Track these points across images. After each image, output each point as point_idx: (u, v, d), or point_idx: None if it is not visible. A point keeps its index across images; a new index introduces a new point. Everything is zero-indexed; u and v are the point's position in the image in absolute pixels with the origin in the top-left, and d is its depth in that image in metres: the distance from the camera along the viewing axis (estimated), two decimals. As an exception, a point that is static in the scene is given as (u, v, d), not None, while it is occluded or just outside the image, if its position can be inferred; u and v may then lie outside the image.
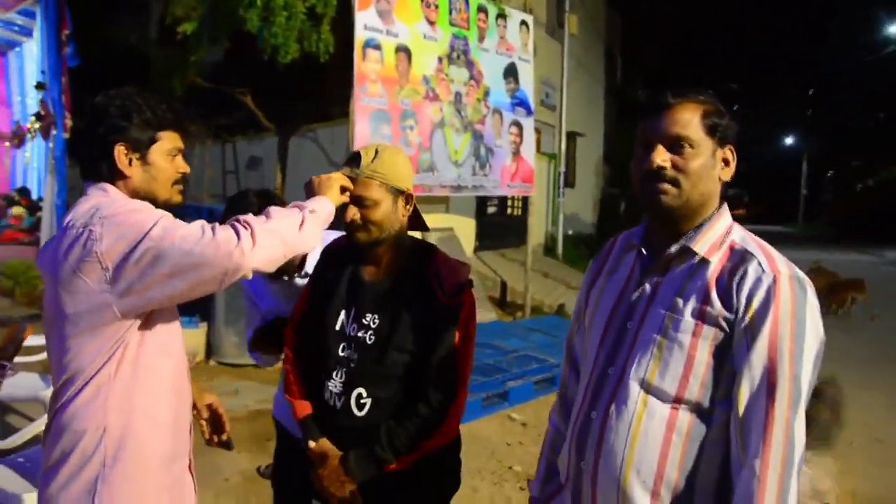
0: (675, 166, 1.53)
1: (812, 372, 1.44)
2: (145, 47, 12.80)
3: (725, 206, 1.62)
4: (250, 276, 1.72)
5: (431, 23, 7.98)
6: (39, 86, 10.10)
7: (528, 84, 9.27)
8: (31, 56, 10.92)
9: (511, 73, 9.04)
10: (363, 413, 1.98)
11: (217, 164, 12.38)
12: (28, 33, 10.78)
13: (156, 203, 1.83)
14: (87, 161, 1.82)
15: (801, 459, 1.42)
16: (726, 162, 1.59)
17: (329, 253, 2.26)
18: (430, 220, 8.35)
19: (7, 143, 11.81)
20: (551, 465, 1.86)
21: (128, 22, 14.17)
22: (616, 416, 1.55)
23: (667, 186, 1.53)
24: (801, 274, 1.49)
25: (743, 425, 1.43)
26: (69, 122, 9.71)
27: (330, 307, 2.09)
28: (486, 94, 8.74)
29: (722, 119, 1.56)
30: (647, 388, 1.53)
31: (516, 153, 9.19)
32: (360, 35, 7.22)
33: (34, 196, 10.70)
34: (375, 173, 1.98)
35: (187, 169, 1.93)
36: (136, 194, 1.82)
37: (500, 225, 12.43)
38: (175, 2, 8.13)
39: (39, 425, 3.03)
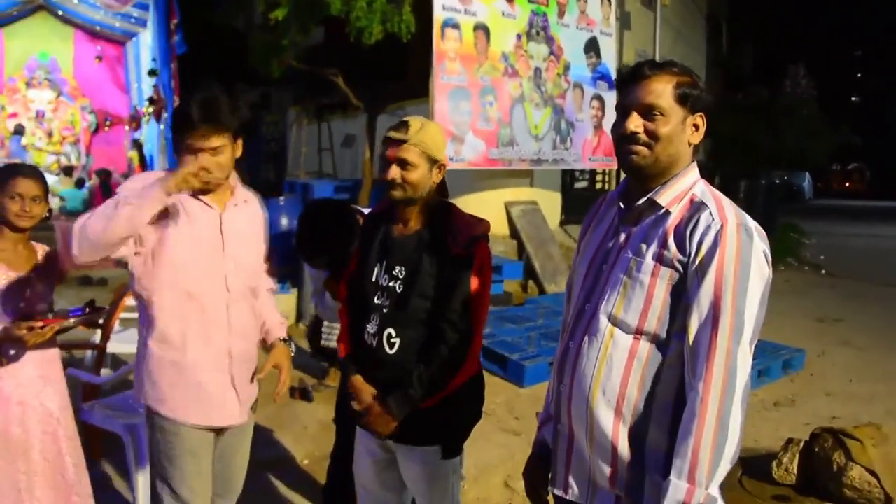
0: (647, 131, 1.72)
1: (759, 308, 1.63)
2: (250, 32, 13.47)
3: (694, 164, 1.80)
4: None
5: (510, 0, 8.17)
6: (152, 73, 10.96)
7: (610, 58, 9.30)
8: (146, 45, 11.82)
9: (592, 47, 9.10)
10: (393, 351, 2.30)
11: (313, 142, 12.95)
12: (143, 24, 11.69)
13: None
14: None
15: (746, 387, 1.61)
16: (696, 127, 1.76)
17: (371, 216, 2.58)
18: (514, 193, 8.58)
19: (126, 127, 12.82)
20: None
21: (234, 8, 14.91)
22: (588, 345, 1.79)
23: (638, 148, 1.73)
24: (751, 223, 1.68)
25: (691, 353, 1.64)
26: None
27: (368, 262, 2.42)
28: (567, 68, 8.85)
29: (693, 89, 1.73)
30: (614, 321, 1.75)
31: (598, 127, 9.26)
32: (438, 15, 7.49)
33: (149, 174, 11.55)
34: (420, 142, 2.26)
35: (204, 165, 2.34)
36: None
37: (587, 199, 12.42)
38: (267, -13, 8.60)
39: (130, 369, 3.43)
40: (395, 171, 2.27)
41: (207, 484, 2.46)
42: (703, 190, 1.75)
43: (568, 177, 11.42)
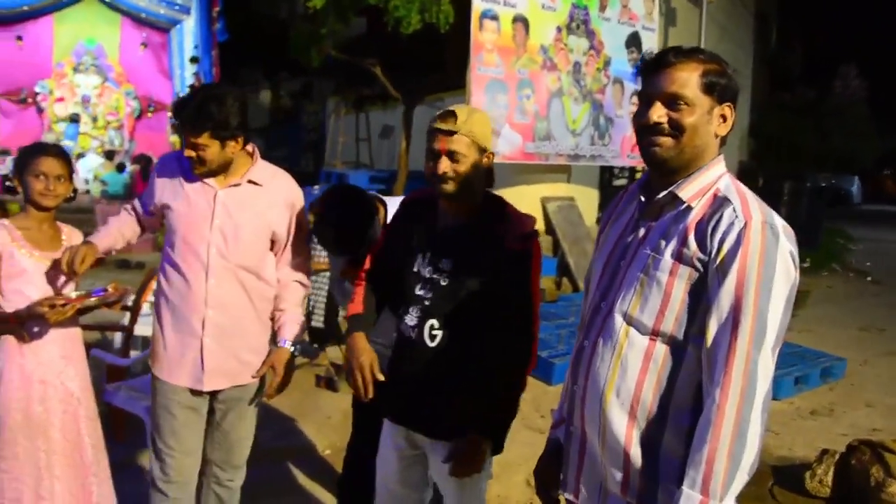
0: (671, 121, 1.62)
1: (783, 313, 1.54)
2: (293, 22, 13.55)
3: (720, 157, 1.70)
4: None
5: (550, -7, 8.06)
6: (193, 60, 11.09)
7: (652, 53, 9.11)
8: (189, 32, 11.96)
9: (634, 42, 8.94)
10: (434, 344, 2.22)
11: (350, 132, 13.00)
12: (186, 11, 11.83)
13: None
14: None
15: (767, 395, 1.51)
16: (724, 118, 1.66)
17: (408, 204, 2.49)
18: (550, 189, 8.47)
19: (169, 113, 13.00)
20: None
21: (277, -2, 15.01)
22: (602, 345, 1.71)
23: (662, 139, 1.63)
24: (777, 221, 1.58)
25: (709, 357, 1.55)
26: (219, 93, 10.59)
27: (407, 251, 2.32)
28: (607, 63, 8.71)
29: (721, 78, 1.63)
30: (629, 320, 1.66)
31: (637, 123, 9.10)
32: (476, 6, 7.42)
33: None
34: (470, 132, 2.15)
35: (189, 155, 2.53)
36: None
37: (626, 197, 12.24)
38: (306, -23, 8.62)
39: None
40: (445, 165, 2.16)
41: (186, 444, 2.68)
42: (728, 185, 1.66)
43: (606, 173, 11.27)
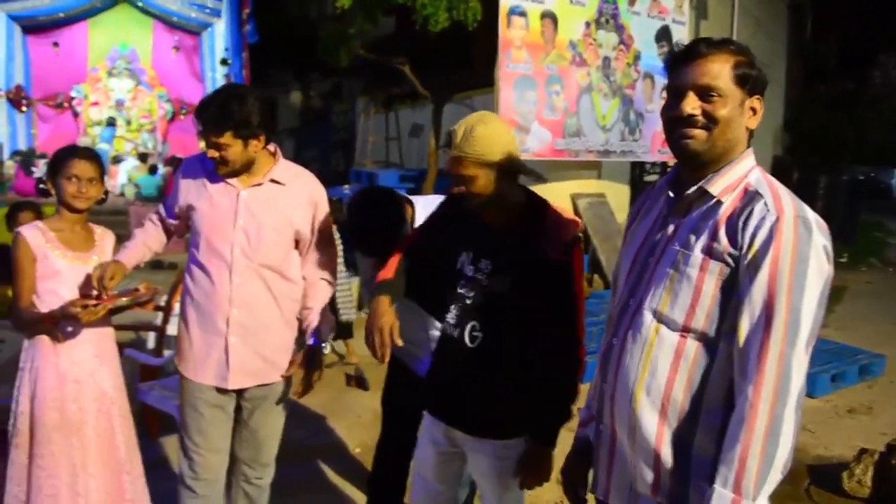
0: (704, 113, 1.59)
1: (816, 308, 1.50)
2: (322, 23, 13.63)
3: (750, 150, 1.68)
4: None
5: (579, -13, 7.99)
6: (224, 62, 11.21)
7: (682, 45, 9.00)
8: (220, 35, 12.10)
9: (664, 36, 8.83)
10: (474, 345, 2.21)
11: (380, 131, 13.03)
12: (217, 14, 11.97)
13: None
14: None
15: (801, 393, 1.48)
16: (754, 111, 1.64)
17: (451, 201, 2.46)
18: (581, 186, 8.39)
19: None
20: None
21: (307, -1, 15.10)
22: (632, 342, 1.68)
23: (695, 132, 1.60)
24: (810, 215, 1.54)
25: (741, 354, 1.52)
26: (249, 95, 10.71)
27: (450, 247, 2.31)
28: (637, 58, 8.61)
29: (751, 70, 1.61)
30: (659, 317, 1.64)
31: (668, 118, 8.99)
32: (504, 2, 7.39)
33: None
34: (465, 153, 2.10)
35: (213, 156, 2.54)
36: None
37: (658, 192, 12.09)
38: (334, -23, 8.66)
39: None
40: (461, 186, 2.16)
41: (214, 442, 2.71)
42: (759, 178, 1.63)
43: (638, 169, 11.13)
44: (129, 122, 12.63)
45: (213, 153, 2.48)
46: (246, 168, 2.58)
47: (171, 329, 4.51)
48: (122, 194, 11.95)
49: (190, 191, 2.66)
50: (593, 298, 8.03)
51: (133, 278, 5.89)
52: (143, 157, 12.56)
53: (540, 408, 2.21)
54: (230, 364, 2.63)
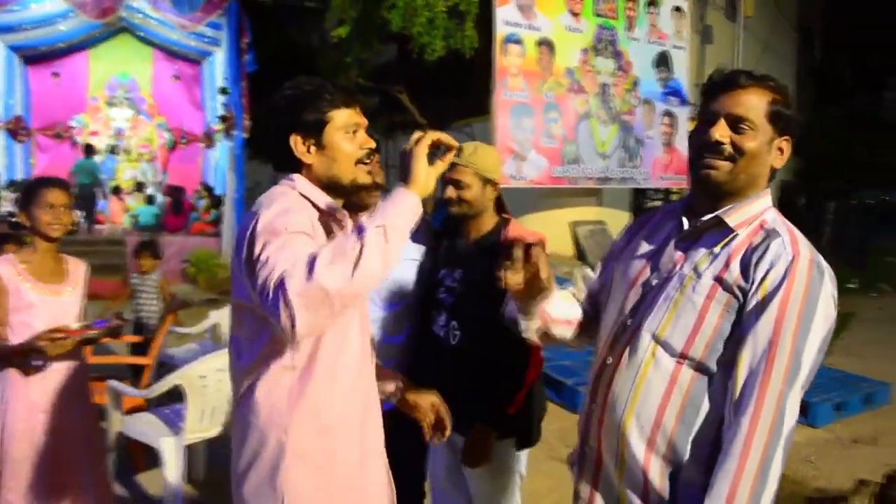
0: (732, 143, 1.58)
1: (816, 354, 1.51)
2: (323, 51, 13.65)
3: (768, 190, 1.68)
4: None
5: (575, 14, 7.88)
6: (223, 91, 11.18)
7: (682, 73, 8.87)
8: (220, 64, 12.09)
9: (663, 61, 8.70)
10: (454, 343, 2.53)
11: (380, 159, 12.93)
12: (217, 43, 11.96)
13: (342, 186, 1.76)
14: (272, 155, 1.82)
15: (790, 434, 1.48)
16: (781, 151, 1.62)
17: (438, 231, 2.80)
18: (580, 213, 8.20)
19: (201, 144, 13.12)
20: None
21: (309, 27, 15.15)
22: (627, 363, 1.66)
23: (719, 162, 1.59)
24: (823, 262, 1.55)
25: (738, 389, 1.51)
26: (247, 123, 10.69)
27: (436, 262, 2.67)
28: (636, 84, 8.48)
29: (786, 109, 1.61)
30: (658, 339, 1.62)
31: (669, 144, 8.84)
32: (500, 31, 7.30)
33: (217, 192, 11.87)
34: (470, 164, 2.46)
35: (372, 143, 1.78)
36: (320, 182, 1.76)
37: (662, 219, 11.91)
38: (332, 7, 8.63)
39: (172, 380, 3.48)
40: (451, 191, 2.49)
41: None
42: (775, 218, 1.63)
43: (640, 196, 10.97)
44: (128, 152, 12.60)
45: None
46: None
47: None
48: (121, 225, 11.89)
49: None
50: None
51: (109, 309, 5.79)
52: (140, 187, 12.49)
53: (486, 393, 2.41)
54: None
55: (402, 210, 1.58)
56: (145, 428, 3.64)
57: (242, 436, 1.73)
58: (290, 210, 1.64)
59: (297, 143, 1.73)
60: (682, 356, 1.59)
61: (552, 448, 4.70)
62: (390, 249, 1.53)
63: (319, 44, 14.50)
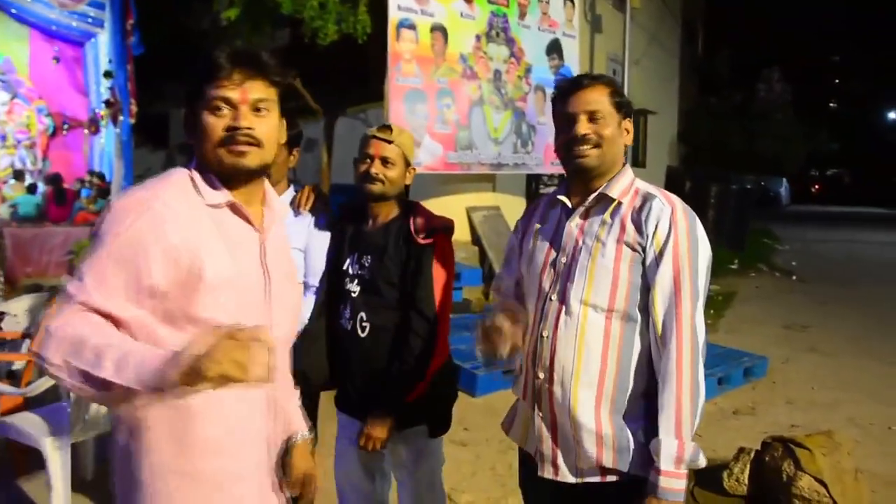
0: (595, 133, 1.95)
1: (706, 275, 1.89)
2: (216, 33, 13.24)
3: (628, 165, 2.06)
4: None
5: (469, 1, 7.98)
6: (107, 74, 10.69)
7: (573, 60, 9.14)
8: (104, 46, 11.54)
9: (555, 49, 8.94)
10: (364, 335, 2.52)
11: (275, 146, 12.67)
12: (100, 24, 11.40)
13: (218, 173, 1.56)
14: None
15: (704, 344, 1.86)
16: (627, 131, 2.03)
17: (344, 210, 2.79)
18: (476, 199, 8.34)
19: (85, 131, 12.50)
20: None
21: (201, 10, 14.66)
22: (564, 331, 1.96)
23: (589, 150, 1.95)
24: (688, 207, 1.96)
25: (661, 324, 1.87)
26: (134, 109, 10.27)
27: (341, 252, 2.65)
28: (528, 71, 8.67)
29: (623, 97, 2.01)
30: (586, 303, 1.94)
31: (561, 130, 9.08)
32: (393, 16, 7.31)
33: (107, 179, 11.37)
34: (401, 144, 2.54)
35: (237, 122, 1.50)
36: (201, 165, 1.57)
37: (556, 204, 12.22)
38: (222, -12, 8.42)
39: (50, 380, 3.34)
40: (377, 167, 2.50)
41: None
42: (644, 184, 2.02)
43: (533, 182, 11.23)
44: (4, 138, 11.87)
45: (245, 120, 1.59)
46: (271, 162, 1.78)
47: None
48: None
49: None
50: (488, 311, 7.99)
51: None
52: (18, 175, 11.79)
53: (385, 380, 2.46)
54: None
55: (151, 375, 1.27)
56: (24, 428, 3.47)
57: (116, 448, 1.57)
58: (143, 203, 1.46)
59: (185, 119, 1.57)
60: (610, 310, 1.92)
61: (451, 432, 4.80)
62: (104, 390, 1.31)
63: (210, 27, 14.06)
